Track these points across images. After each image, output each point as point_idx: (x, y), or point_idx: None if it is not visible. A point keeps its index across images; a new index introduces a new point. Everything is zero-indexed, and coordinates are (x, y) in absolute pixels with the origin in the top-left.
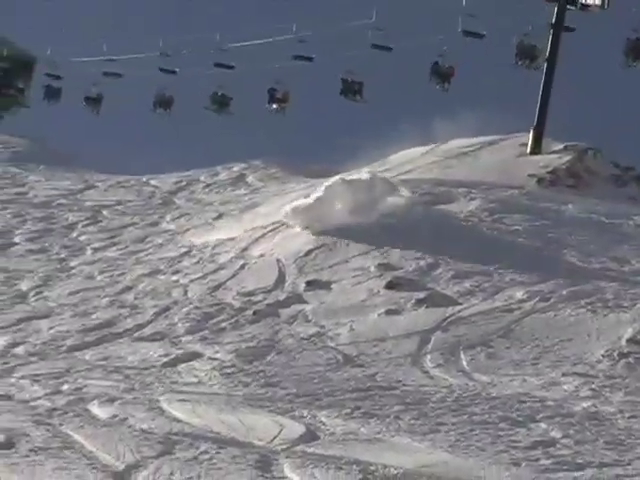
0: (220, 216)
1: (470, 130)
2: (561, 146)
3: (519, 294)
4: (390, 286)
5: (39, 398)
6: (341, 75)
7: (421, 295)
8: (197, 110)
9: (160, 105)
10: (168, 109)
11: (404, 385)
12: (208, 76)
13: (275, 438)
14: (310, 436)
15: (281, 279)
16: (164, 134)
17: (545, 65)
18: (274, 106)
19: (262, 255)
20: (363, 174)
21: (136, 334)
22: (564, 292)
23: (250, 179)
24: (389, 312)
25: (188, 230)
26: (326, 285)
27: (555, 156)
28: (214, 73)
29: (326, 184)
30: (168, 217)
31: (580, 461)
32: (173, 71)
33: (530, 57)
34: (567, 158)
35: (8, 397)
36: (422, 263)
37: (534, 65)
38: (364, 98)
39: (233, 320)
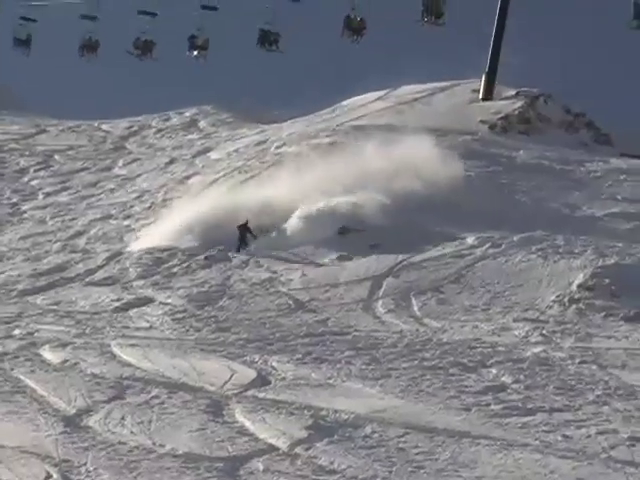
0: (172, 161)
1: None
2: (513, 92)
3: (470, 240)
4: (342, 232)
5: None
6: (259, 25)
7: (372, 241)
8: (123, 55)
9: (86, 49)
10: (94, 53)
11: (356, 330)
12: (131, 22)
13: (226, 383)
14: (261, 381)
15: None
16: (92, 79)
17: (497, 11)
18: (195, 53)
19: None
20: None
21: (88, 279)
22: (515, 238)
23: (202, 124)
24: (341, 258)
25: (140, 175)
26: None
27: (507, 102)
28: (138, 19)
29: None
30: (120, 162)
31: (530, 406)
32: (93, 17)
33: (436, 14)
34: (519, 104)
35: None
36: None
37: (440, 22)
38: (280, 48)
39: (185, 265)
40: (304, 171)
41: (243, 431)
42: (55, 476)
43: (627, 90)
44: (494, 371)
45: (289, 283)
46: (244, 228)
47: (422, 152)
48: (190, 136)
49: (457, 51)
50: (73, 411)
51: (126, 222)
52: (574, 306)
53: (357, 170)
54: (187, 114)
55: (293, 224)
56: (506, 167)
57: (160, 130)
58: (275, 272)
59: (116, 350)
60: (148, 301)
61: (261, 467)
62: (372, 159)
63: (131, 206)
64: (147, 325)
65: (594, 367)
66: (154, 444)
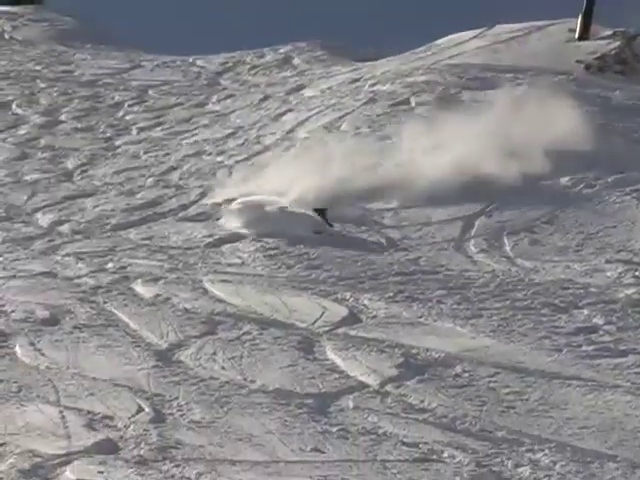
0: (266, 98)
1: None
2: (609, 32)
3: (564, 180)
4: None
5: (83, 276)
6: None
7: (464, 180)
8: None
9: None
10: None
11: (447, 270)
12: None
13: (317, 320)
14: (352, 319)
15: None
16: (178, 12)
17: None
18: None
19: (307, 137)
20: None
21: (180, 214)
22: (609, 179)
23: (296, 61)
24: (431, 198)
25: (233, 112)
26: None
27: (603, 42)
28: None
29: None
30: (214, 98)
31: (622, 348)
32: None
33: None
34: (615, 44)
35: (53, 274)
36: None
37: None
38: None
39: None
40: (408, 117)
41: (334, 368)
42: (147, 409)
43: None
44: (586, 312)
45: (381, 221)
46: (321, 214)
47: (538, 97)
48: (284, 73)
49: None
50: (165, 345)
51: (219, 158)
52: None
53: (470, 118)
54: (281, 51)
55: (417, 185)
56: (602, 107)
57: (254, 67)
58: (367, 210)
59: (208, 286)
60: (240, 237)
61: (351, 404)
62: (484, 105)
63: (224, 142)
64: (239, 261)
65: None
66: (245, 380)
